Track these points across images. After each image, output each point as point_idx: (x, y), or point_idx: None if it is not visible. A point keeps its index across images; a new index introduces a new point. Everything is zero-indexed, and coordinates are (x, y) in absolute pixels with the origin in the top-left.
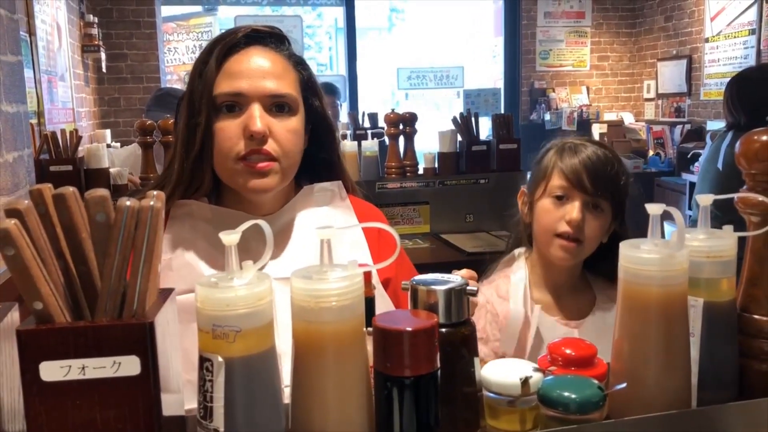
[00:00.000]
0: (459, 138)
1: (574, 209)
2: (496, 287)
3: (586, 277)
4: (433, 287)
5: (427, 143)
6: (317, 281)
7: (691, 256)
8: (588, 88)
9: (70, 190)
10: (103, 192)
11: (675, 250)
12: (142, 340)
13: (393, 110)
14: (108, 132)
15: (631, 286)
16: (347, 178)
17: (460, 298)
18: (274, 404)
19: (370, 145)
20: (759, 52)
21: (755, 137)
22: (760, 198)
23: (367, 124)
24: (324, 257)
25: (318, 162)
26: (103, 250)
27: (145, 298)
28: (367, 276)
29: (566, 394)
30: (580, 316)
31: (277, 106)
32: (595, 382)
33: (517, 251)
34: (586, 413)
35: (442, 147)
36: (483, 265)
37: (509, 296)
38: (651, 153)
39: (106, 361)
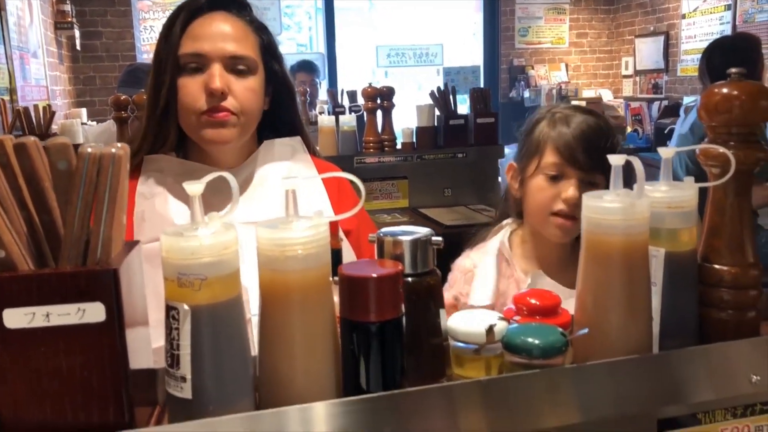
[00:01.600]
0: (437, 112)
1: (569, 187)
2: (484, 252)
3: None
4: (399, 238)
5: (408, 121)
6: (283, 230)
7: (653, 207)
8: (567, 65)
9: (31, 139)
10: (64, 139)
11: (635, 199)
12: (106, 287)
13: (370, 84)
14: (84, 111)
15: (593, 236)
16: (308, 140)
17: (425, 248)
18: (241, 352)
19: (348, 120)
20: (735, 28)
21: (716, 90)
22: (721, 149)
23: (346, 102)
24: (289, 208)
25: (279, 123)
26: (65, 199)
27: (109, 246)
28: (334, 227)
29: (530, 339)
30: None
31: (236, 66)
32: (558, 328)
33: (505, 222)
34: (549, 358)
35: (420, 121)
36: (460, 237)
37: (487, 254)
38: (629, 129)
39: (71, 307)
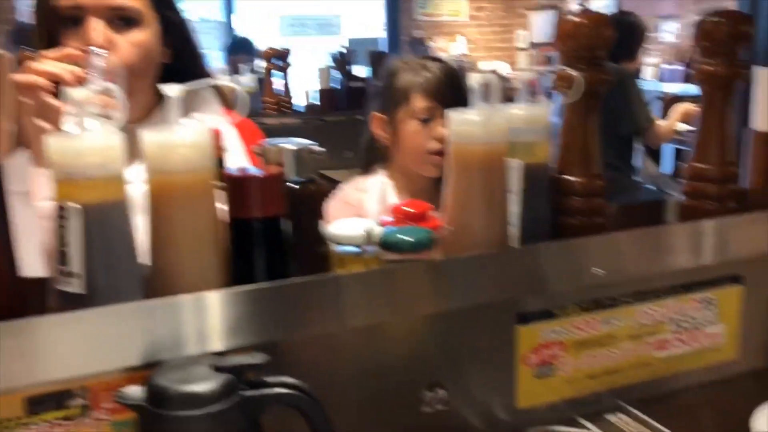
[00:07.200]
0: (339, 75)
1: (439, 126)
2: (355, 183)
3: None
4: (281, 146)
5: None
6: (165, 132)
7: (511, 123)
8: (465, 38)
9: None
10: None
11: (493, 112)
12: None
13: (270, 47)
14: None
15: (457, 146)
16: (221, 91)
17: (307, 157)
18: (129, 249)
19: (247, 80)
20: (619, 2)
21: (566, 18)
22: (574, 73)
23: None
24: (173, 114)
25: (184, 77)
26: None
27: None
28: (218, 138)
29: (401, 236)
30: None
31: (121, 18)
32: (427, 228)
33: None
34: (419, 252)
35: (322, 83)
36: None
37: (366, 190)
38: None
39: None
